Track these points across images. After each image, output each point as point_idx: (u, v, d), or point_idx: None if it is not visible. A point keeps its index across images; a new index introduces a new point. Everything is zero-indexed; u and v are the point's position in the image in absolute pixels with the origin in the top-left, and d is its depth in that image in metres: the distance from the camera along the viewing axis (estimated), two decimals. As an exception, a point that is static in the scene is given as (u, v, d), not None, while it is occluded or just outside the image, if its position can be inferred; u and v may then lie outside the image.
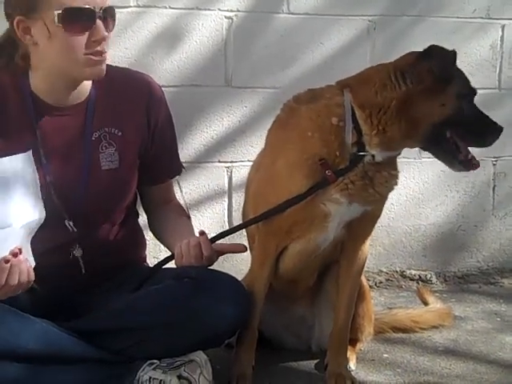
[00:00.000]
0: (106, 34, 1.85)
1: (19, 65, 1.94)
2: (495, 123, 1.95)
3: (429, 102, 1.87)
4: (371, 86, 1.90)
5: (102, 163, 1.99)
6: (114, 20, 1.92)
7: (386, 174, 1.95)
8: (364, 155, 1.90)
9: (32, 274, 1.73)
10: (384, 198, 2.02)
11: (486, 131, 1.95)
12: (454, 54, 1.91)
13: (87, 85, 1.99)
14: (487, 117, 1.96)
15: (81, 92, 1.98)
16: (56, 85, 1.94)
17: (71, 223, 1.96)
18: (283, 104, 2.04)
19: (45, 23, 1.82)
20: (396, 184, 2.01)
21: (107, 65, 2.06)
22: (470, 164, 1.95)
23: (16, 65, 1.94)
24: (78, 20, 1.81)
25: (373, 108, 1.89)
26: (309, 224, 1.96)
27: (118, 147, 2.01)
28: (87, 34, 1.83)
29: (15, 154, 1.81)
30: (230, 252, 2.03)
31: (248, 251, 2.10)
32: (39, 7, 1.81)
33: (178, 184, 2.25)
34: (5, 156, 1.82)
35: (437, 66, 1.86)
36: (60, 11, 1.79)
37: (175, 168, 2.21)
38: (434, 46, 1.89)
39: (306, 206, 1.91)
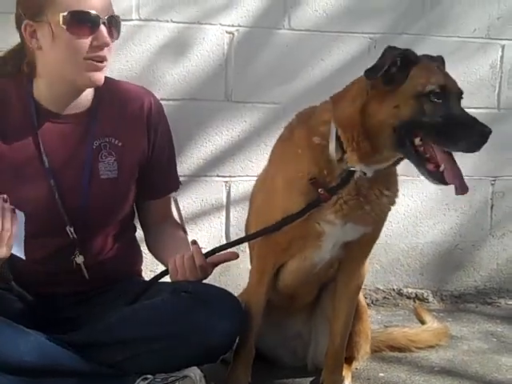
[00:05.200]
0: (108, 39, 1.89)
1: (25, 72, 1.97)
2: (481, 125, 1.76)
3: (382, 106, 1.77)
4: (345, 101, 1.87)
5: (101, 172, 2.01)
6: (119, 29, 1.97)
7: (378, 192, 1.91)
8: (353, 171, 1.86)
9: (11, 242, 1.71)
10: (380, 219, 1.98)
11: (463, 134, 1.75)
12: (400, 52, 1.79)
13: (89, 95, 2.01)
14: (468, 118, 1.78)
15: (83, 101, 2.00)
16: (58, 92, 1.96)
17: (72, 229, 1.97)
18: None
19: (50, 25, 1.87)
20: (392, 204, 1.97)
21: (109, 77, 2.09)
22: (441, 177, 1.78)
23: (22, 72, 1.98)
24: (82, 23, 1.86)
25: (345, 124, 1.84)
26: (304, 241, 1.95)
27: (118, 157, 2.03)
28: (90, 37, 1.87)
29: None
30: (223, 261, 2.00)
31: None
32: (46, 10, 1.87)
33: (176, 201, 2.23)
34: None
35: (381, 68, 1.76)
36: (65, 13, 1.84)
37: (173, 184, 2.22)
38: (386, 47, 1.81)
39: (302, 223, 1.90)
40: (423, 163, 1.79)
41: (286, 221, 1.89)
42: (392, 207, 1.99)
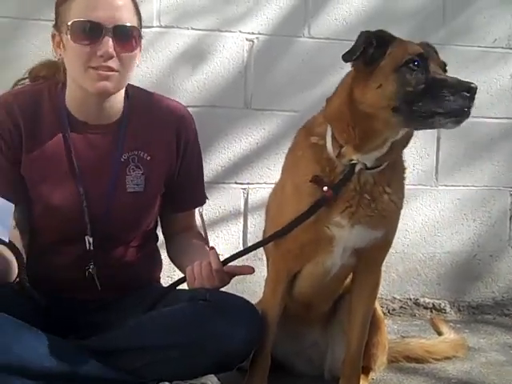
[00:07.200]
0: (111, 50, 1.86)
1: (60, 80, 2.01)
2: (465, 82, 1.67)
3: (366, 89, 1.75)
4: (334, 96, 1.89)
5: (128, 185, 2.02)
6: (132, 40, 1.92)
7: (381, 189, 1.89)
8: (354, 164, 1.84)
9: None
10: (387, 221, 1.93)
11: (449, 94, 1.67)
12: (374, 32, 1.78)
13: (119, 106, 2.02)
14: (452, 79, 1.69)
15: (112, 112, 2.01)
16: (82, 101, 1.97)
17: (91, 239, 1.98)
18: None
19: (61, 35, 1.92)
20: (396, 204, 1.93)
21: (143, 89, 2.10)
22: (457, 110, 1.67)
23: (58, 80, 2.02)
24: (84, 32, 1.87)
25: (334, 117, 1.85)
26: (316, 246, 1.95)
27: (145, 171, 2.03)
28: (93, 46, 1.86)
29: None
30: (238, 274, 2.01)
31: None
32: (61, 20, 1.92)
33: (201, 215, 2.21)
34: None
35: (357, 50, 1.75)
36: (69, 23, 1.87)
37: (199, 198, 2.22)
38: (361, 31, 1.80)
39: (312, 228, 1.89)
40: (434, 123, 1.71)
41: (295, 222, 1.89)
42: (399, 210, 1.96)
